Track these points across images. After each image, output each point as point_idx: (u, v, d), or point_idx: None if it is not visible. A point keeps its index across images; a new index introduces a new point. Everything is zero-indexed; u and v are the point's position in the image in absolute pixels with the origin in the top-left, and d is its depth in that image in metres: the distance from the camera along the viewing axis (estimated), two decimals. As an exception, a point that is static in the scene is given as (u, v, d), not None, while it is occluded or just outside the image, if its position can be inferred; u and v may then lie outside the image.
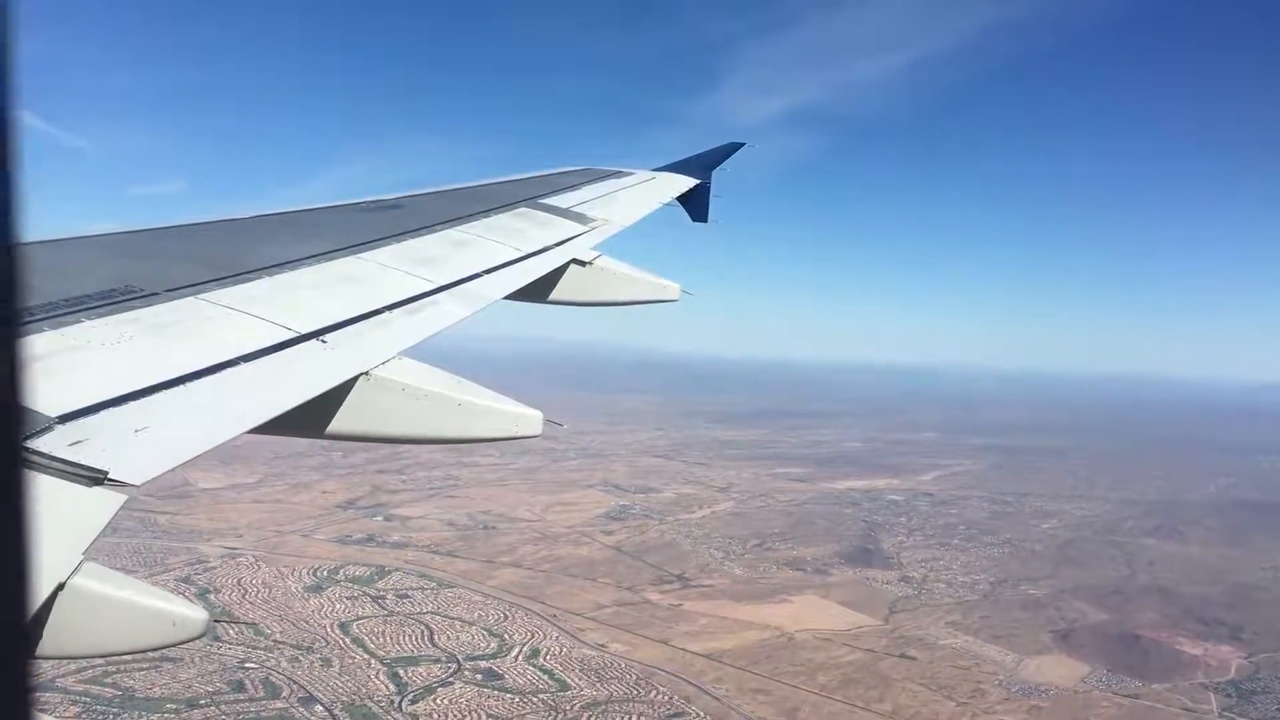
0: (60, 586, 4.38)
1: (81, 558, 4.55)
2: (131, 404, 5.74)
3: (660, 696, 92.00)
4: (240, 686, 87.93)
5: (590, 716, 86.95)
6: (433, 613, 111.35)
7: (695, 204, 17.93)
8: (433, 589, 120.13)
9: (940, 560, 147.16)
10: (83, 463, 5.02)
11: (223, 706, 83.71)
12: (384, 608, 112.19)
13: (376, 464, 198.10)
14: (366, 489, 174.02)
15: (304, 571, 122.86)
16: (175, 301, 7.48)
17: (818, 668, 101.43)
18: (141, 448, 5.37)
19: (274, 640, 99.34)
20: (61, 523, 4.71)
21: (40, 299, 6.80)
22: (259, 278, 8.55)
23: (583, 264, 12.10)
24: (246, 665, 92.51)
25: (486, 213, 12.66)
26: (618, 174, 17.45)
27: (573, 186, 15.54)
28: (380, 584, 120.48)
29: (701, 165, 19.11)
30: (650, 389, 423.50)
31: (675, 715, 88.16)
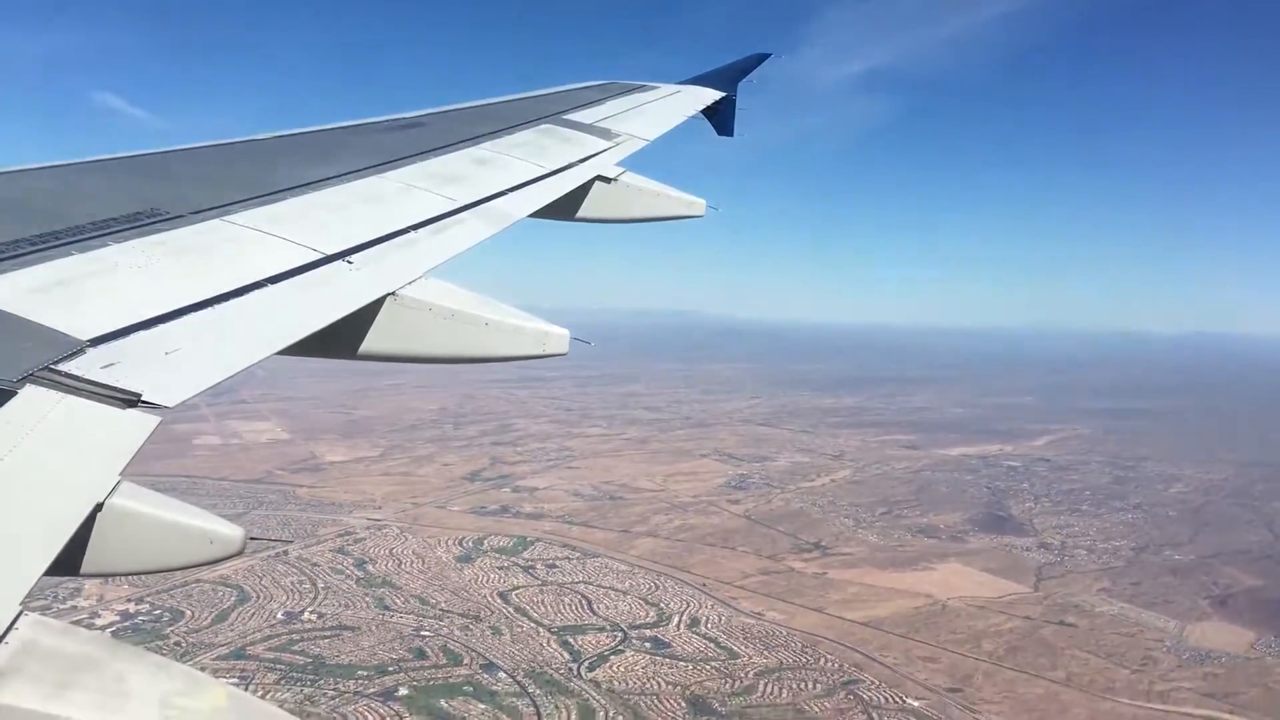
0: (99, 507, 4.40)
1: (119, 478, 4.56)
2: (161, 326, 5.73)
3: (830, 664, 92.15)
4: (422, 654, 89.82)
5: (766, 683, 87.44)
6: (584, 582, 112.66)
7: (721, 118, 17.37)
8: (578, 559, 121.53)
9: (1075, 526, 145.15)
10: (116, 385, 5.00)
11: (411, 673, 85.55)
12: (536, 577, 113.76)
13: (489, 435, 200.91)
14: (486, 461, 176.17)
15: (450, 542, 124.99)
16: (200, 224, 7.42)
17: (980, 635, 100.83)
18: (173, 370, 5.36)
19: (441, 609, 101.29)
20: (97, 444, 4.72)
21: (66, 223, 6.75)
22: (283, 199, 8.45)
23: (608, 180, 11.82)
24: (422, 633, 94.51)
25: (510, 129, 12.40)
26: (641, 88, 16.91)
27: (596, 101, 15.10)
28: (526, 554, 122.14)
29: (727, 78, 18.38)
30: (735, 357, 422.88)
31: (850, 683, 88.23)
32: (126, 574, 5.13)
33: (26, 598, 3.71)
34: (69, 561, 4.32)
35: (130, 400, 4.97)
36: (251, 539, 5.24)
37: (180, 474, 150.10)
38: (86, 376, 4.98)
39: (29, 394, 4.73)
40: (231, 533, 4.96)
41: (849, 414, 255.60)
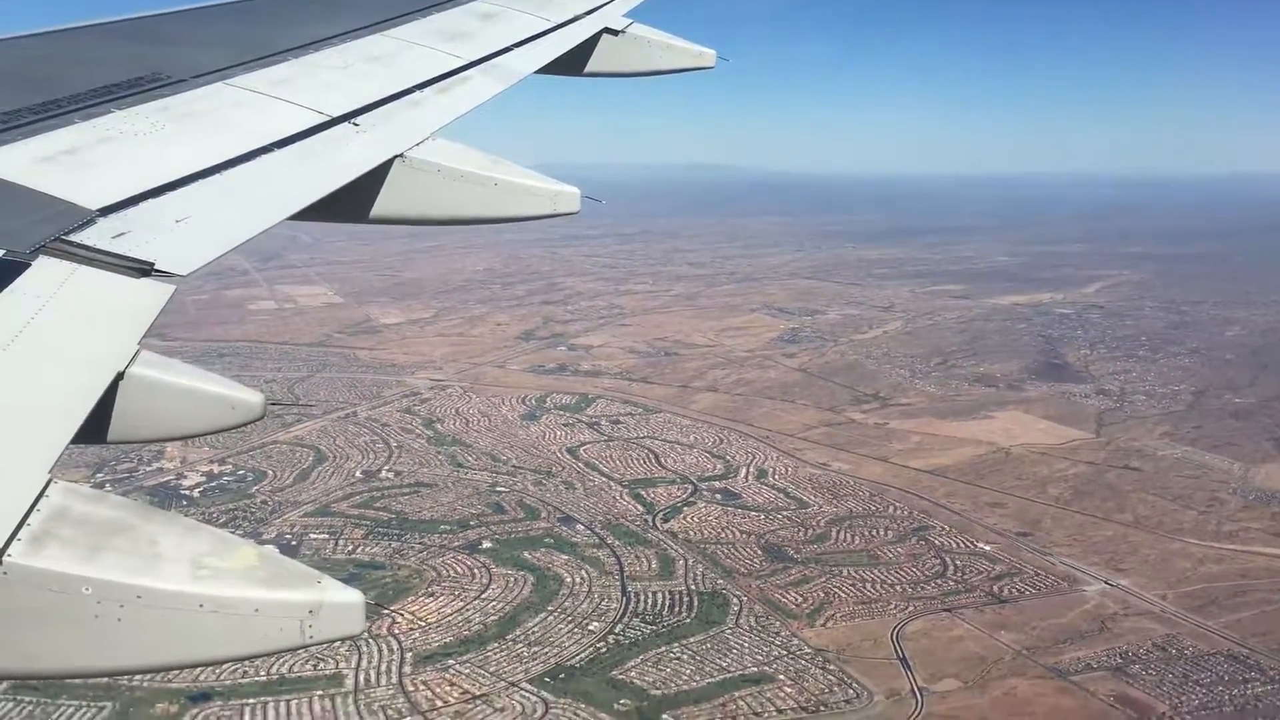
0: (120, 376, 4.45)
1: (138, 347, 4.60)
2: (170, 194, 5.72)
3: (899, 511, 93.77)
4: (500, 508, 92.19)
5: (838, 531, 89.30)
6: (649, 437, 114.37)
7: None
8: (640, 414, 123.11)
9: (1132, 372, 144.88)
10: (128, 254, 5.00)
11: (492, 527, 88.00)
12: (602, 433, 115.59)
13: (538, 295, 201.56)
14: (539, 320, 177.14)
15: (513, 400, 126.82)
16: (203, 88, 7.33)
17: (1045, 481, 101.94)
18: (184, 237, 5.36)
19: (513, 466, 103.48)
20: (114, 314, 4.72)
21: (67, 90, 6.64)
22: (284, 60, 8.31)
23: (615, 33, 11.56)
24: (497, 489, 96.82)
25: None
26: None
27: None
28: (589, 411, 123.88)
29: None
30: (771, 211, 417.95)
31: (920, 529, 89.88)
32: (152, 441, 5.43)
33: (55, 465, 3.78)
34: (95, 430, 4.47)
35: (143, 269, 5.01)
36: (272, 404, 5.38)
37: (242, 339, 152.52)
38: (98, 246, 5.01)
39: (43, 265, 4.76)
40: (252, 398, 5.16)
41: (894, 265, 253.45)
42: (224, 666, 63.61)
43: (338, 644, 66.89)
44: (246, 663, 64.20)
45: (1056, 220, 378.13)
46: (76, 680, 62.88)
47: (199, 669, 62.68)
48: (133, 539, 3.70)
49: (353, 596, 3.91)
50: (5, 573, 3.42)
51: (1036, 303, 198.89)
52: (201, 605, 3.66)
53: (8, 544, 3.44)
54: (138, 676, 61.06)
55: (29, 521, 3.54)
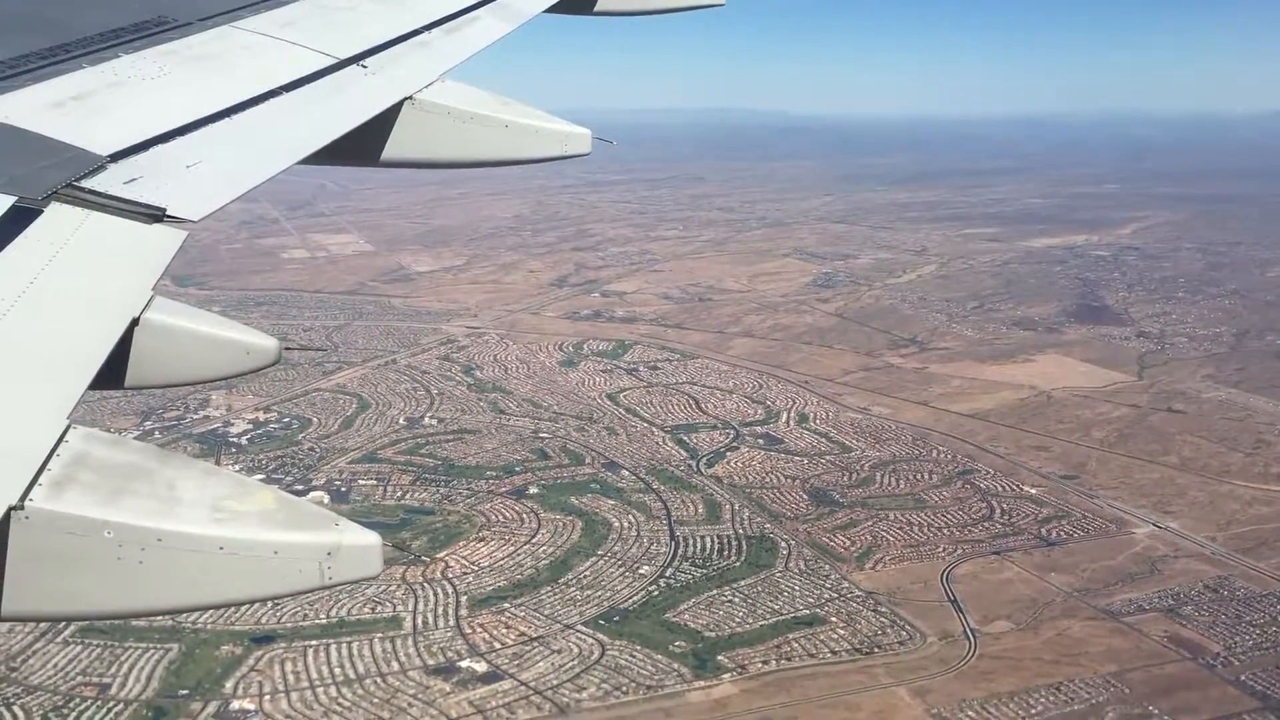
0: (135, 321, 4.46)
1: (152, 293, 4.58)
2: (180, 139, 5.67)
3: (942, 455, 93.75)
4: (544, 454, 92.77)
5: (883, 475, 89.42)
6: (689, 382, 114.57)
7: None
8: (678, 360, 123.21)
9: (1172, 314, 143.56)
10: (140, 200, 4.95)
11: (537, 472, 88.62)
12: (641, 379, 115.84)
13: (569, 241, 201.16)
14: (571, 267, 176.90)
15: (551, 347, 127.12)
16: (210, 31, 7.29)
17: (1088, 424, 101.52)
18: (195, 183, 5.33)
19: (554, 412, 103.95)
20: (127, 260, 4.69)
21: (74, 34, 6.58)
22: (291, 1, 8.26)
23: None
24: (540, 435, 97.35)
25: None
26: None
27: None
28: (627, 357, 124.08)
29: None
30: (797, 155, 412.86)
31: (965, 473, 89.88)
32: (168, 385, 5.55)
33: (74, 410, 3.81)
34: (112, 375, 4.54)
35: (155, 215, 5.03)
36: (287, 349, 5.54)
37: (277, 287, 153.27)
38: (110, 192, 5.03)
39: (55, 212, 4.76)
40: (266, 343, 5.28)
41: (926, 208, 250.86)
42: (284, 610, 64.92)
43: (394, 588, 68.17)
44: (306, 605, 65.70)
45: (1088, 161, 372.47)
46: (141, 622, 64.13)
47: (260, 608, 64.08)
48: (152, 483, 3.77)
49: (370, 539, 3.96)
50: (28, 517, 3.46)
51: (1072, 245, 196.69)
52: (221, 548, 3.73)
53: (29, 489, 3.48)
54: (202, 619, 62.44)
55: (49, 466, 3.58)
